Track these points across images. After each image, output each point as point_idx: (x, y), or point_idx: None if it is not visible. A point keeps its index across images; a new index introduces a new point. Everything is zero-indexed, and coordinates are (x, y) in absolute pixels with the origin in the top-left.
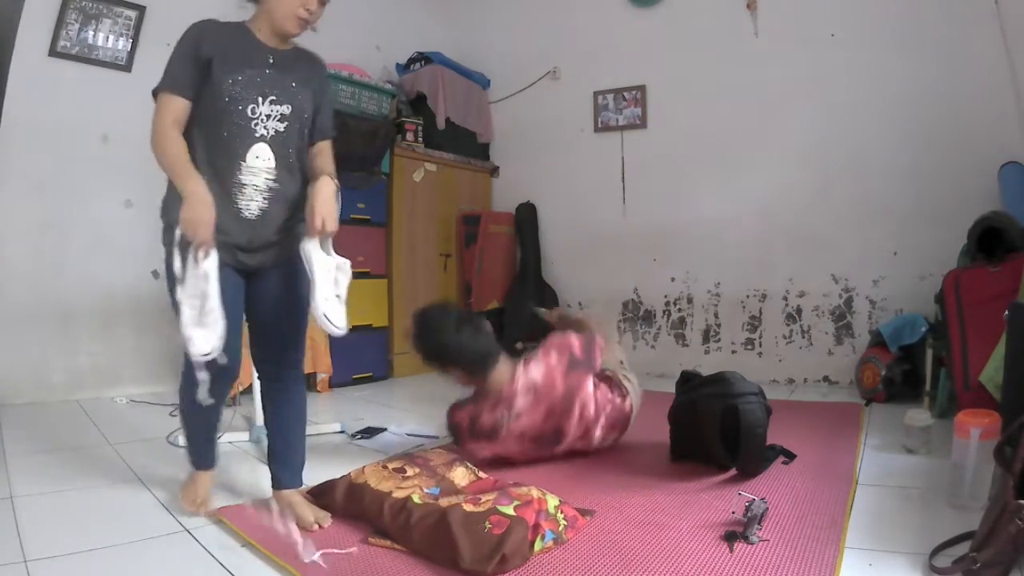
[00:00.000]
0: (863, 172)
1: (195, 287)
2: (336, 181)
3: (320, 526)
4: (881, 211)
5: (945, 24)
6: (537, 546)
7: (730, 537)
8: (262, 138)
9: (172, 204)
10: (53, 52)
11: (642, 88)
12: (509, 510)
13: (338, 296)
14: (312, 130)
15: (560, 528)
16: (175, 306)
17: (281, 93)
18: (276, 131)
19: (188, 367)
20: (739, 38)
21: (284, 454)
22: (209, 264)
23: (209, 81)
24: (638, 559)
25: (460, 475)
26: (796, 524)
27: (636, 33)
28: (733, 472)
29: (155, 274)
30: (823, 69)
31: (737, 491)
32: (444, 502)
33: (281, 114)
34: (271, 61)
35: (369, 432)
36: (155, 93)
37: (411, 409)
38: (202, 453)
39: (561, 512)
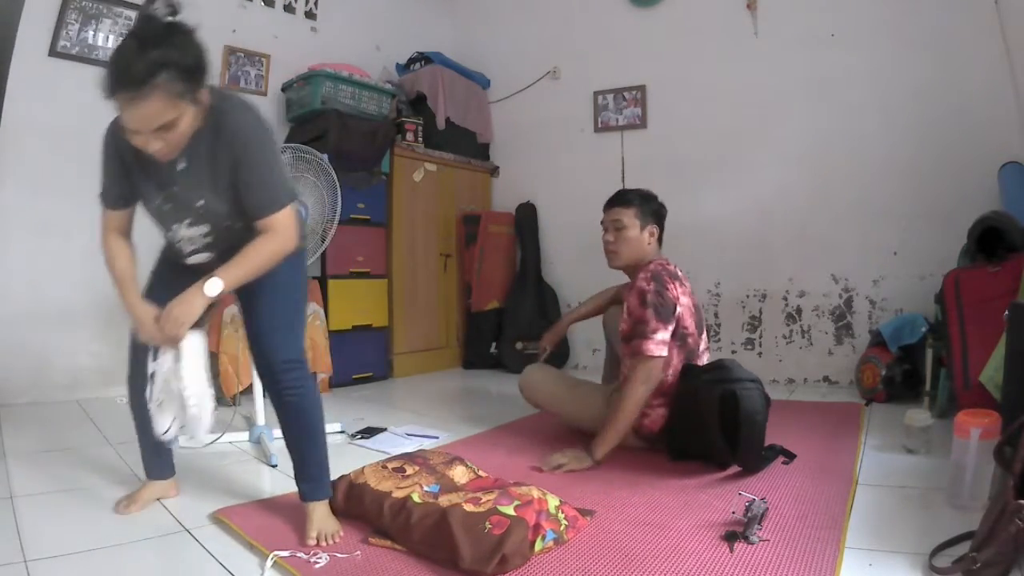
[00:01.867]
0: (863, 172)
1: (161, 376)
2: (219, 282)
3: (319, 543)
4: (881, 211)
5: (945, 24)
6: (538, 546)
7: (730, 537)
8: (195, 251)
9: None
10: (53, 52)
11: (642, 88)
12: (509, 510)
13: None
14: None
15: (561, 528)
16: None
17: (194, 217)
18: (206, 243)
19: (134, 356)
20: (739, 38)
21: (296, 468)
22: (168, 358)
23: None
24: (638, 559)
25: (460, 473)
26: (796, 524)
27: (636, 33)
28: (733, 471)
29: None
30: (823, 69)
31: (737, 491)
32: (444, 500)
33: (202, 233)
34: (175, 172)
35: (369, 432)
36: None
37: (411, 409)
38: (148, 458)
39: (562, 512)
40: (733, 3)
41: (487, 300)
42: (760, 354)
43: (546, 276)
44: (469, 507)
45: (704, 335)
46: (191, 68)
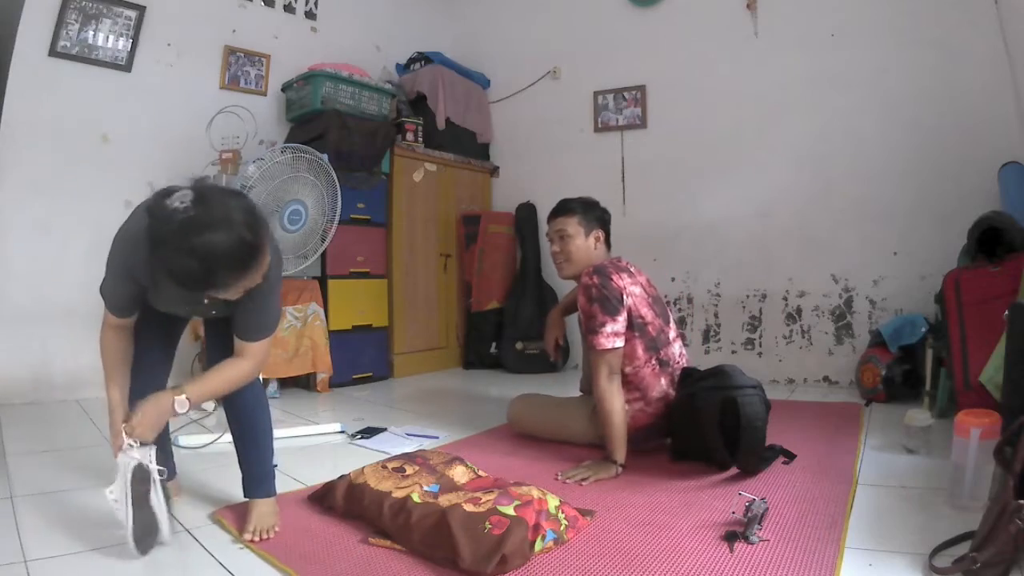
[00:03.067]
0: (863, 172)
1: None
2: (186, 401)
3: (253, 537)
4: (881, 211)
5: (945, 24)
6: (538, 546)
7: (730, 537)
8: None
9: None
10: (53, 52)
11: (642, 88)
12: (509, 510)
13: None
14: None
15: (561, 528)
16: None
17: (199, 314)
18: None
19: (138, 356)
20: (739, 38)
21: (240, 463)
22: (124, 462)
23: None
24: (638, 559)
25: (460, 473)
26: (796, 524)
27: (636, 33)
28: (733, 472)
29: None
30: (823, 69)
31: (737, 491)
32: (444, 500)
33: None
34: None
35: (369, 432)
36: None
37: (411, 409)
38: None
39: (562, 512)
40: (733, 3)
41: (487, 300)
42: (760, 354)
43: (546, 276)
44: (469, 507)
45: (671, 324)
46: (261, 218)
